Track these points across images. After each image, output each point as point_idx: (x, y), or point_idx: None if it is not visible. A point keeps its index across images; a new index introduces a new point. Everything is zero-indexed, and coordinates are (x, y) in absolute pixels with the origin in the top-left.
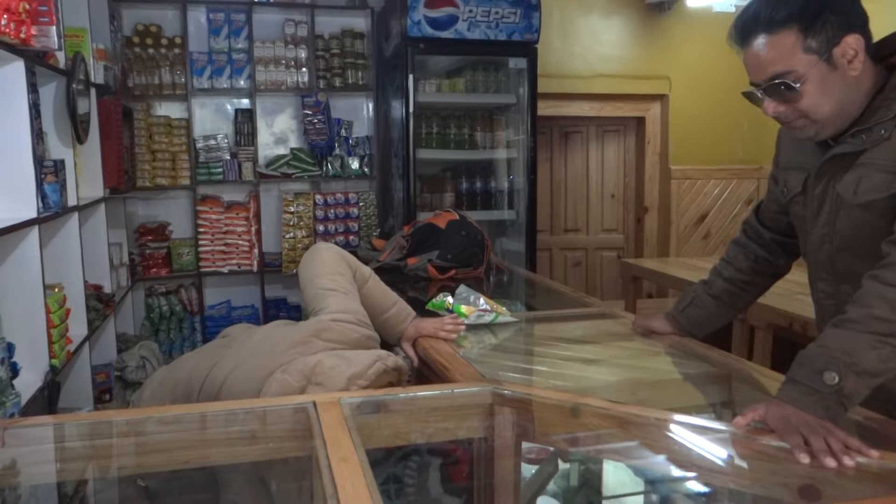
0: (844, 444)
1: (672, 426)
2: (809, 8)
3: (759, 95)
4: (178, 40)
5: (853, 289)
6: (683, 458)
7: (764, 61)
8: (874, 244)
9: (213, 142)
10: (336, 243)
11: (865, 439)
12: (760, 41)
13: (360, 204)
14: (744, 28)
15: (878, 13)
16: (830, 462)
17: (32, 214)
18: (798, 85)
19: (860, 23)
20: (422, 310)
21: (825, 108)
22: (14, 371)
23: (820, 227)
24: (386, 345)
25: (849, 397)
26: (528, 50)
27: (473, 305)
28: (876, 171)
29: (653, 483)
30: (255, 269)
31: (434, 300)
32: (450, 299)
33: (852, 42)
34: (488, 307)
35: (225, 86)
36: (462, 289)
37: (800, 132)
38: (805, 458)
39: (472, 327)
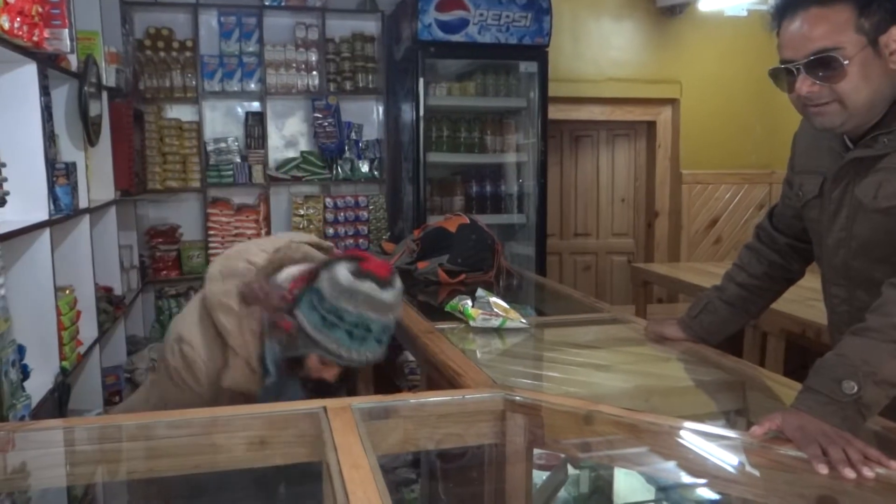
0: (863, 455)
1: (685, 434)
2: None
3: (795, 72)
4: (189, 43)
5: (868, 294)
6: (696, 466)
7: (810, 35)
8: (892, 249)
9: (223, 144)
10: (346, 246)
11: (884, 450)
12: (811, 13)
13: (370, 207)
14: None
15: None
16: (849, 473)
17: (44, 217)
18: (846, 63)
19: None
20: (438, 314)
21: (862, 95)
22: (25, 373)
23: (836, 231)
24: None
25: (868, 407)
26: (538, 54)
27: (485, 309)
28: None
29: (665, 491)
30: None
31: (452, 301)
32: (467, 302)
33: None
34: (497, 311)
35: (236, 89)
36: (481, 293)
37: (825, 119)
38: (823, 469)
39: (483, 332)
